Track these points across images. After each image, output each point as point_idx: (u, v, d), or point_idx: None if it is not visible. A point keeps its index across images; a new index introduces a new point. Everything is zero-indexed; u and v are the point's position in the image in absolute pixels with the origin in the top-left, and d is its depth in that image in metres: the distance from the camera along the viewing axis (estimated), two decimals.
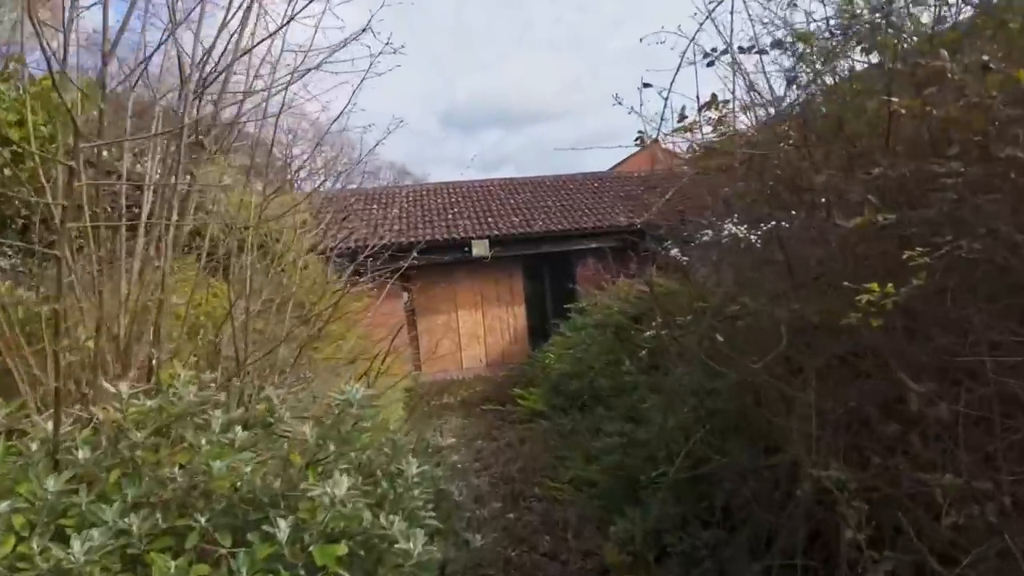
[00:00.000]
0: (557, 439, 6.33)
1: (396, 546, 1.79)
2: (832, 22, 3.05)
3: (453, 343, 13.20)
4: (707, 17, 3.04)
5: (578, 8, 63.89)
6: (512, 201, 14.20)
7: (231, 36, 3.15)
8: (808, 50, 3.08)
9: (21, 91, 3.32)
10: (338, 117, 4.15)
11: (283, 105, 3.77)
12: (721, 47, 3.26)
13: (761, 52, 3.21)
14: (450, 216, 13.21)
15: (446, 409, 9.58)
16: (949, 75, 2.10)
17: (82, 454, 1.83)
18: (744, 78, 3.46)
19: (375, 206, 13.98)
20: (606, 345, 6.46)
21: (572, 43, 63.20)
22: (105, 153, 3.11)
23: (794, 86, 3.20)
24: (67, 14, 2.33)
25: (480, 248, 12.00)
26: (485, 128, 62.86)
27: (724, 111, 3.67)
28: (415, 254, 5.88)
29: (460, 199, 14.41)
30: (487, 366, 13.29)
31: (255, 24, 3.33)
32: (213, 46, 3.01)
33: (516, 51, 63.15)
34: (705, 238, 3.84)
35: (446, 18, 60.47)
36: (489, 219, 13.04)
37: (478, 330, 13.30)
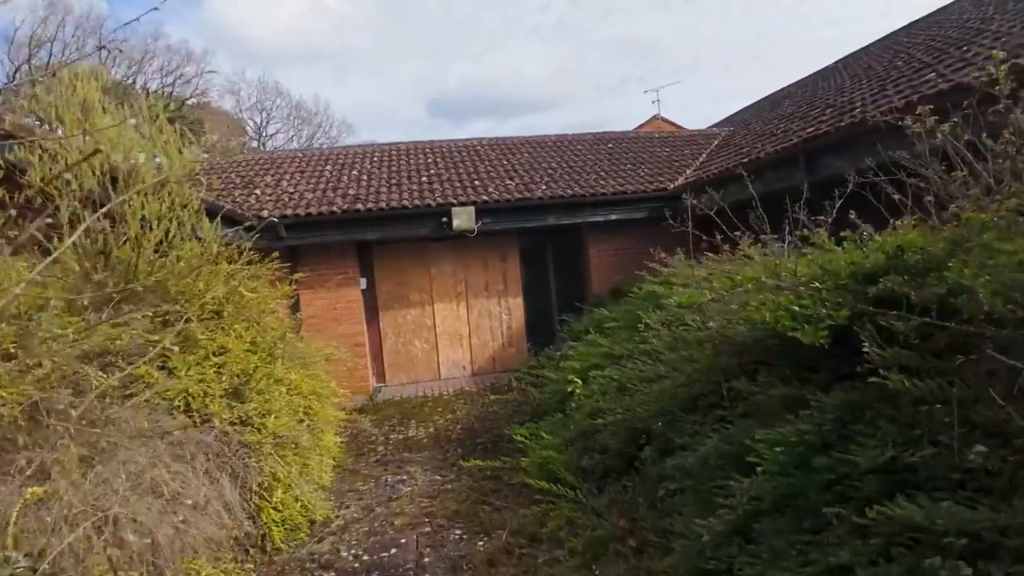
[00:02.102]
0: (606, 553, 3.27)
1: None
2: None
3: (428, 344, 10.09)
4: None
5: None
6: (506, 163, 11.09)
7: None
8: None
9: None
10: None
11: None
12: None
13: None
14: (424, 179, 10.08)
15: (408, 450, 6.49)
16: None
17: None
18: None
19: (328, 167, 10.81)
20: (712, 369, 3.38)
21: (559, 32, 60.00)
22: None
23: None
24: None
25: (463, 219, 8.89)
26: (475, 118, 59.71)
27: None
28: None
29: (439, 159, 11.27)
30: (472, 376, 10.20)
31: None
32: None
33: (504, 40, 59.80)
34: None
35: (434, 6, 57.05)
36: (476, 183, 9.93)
37: (461, 328, 10.21)
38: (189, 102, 27.92)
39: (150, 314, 4.14)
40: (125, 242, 4.26)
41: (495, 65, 59.60)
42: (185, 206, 4.66)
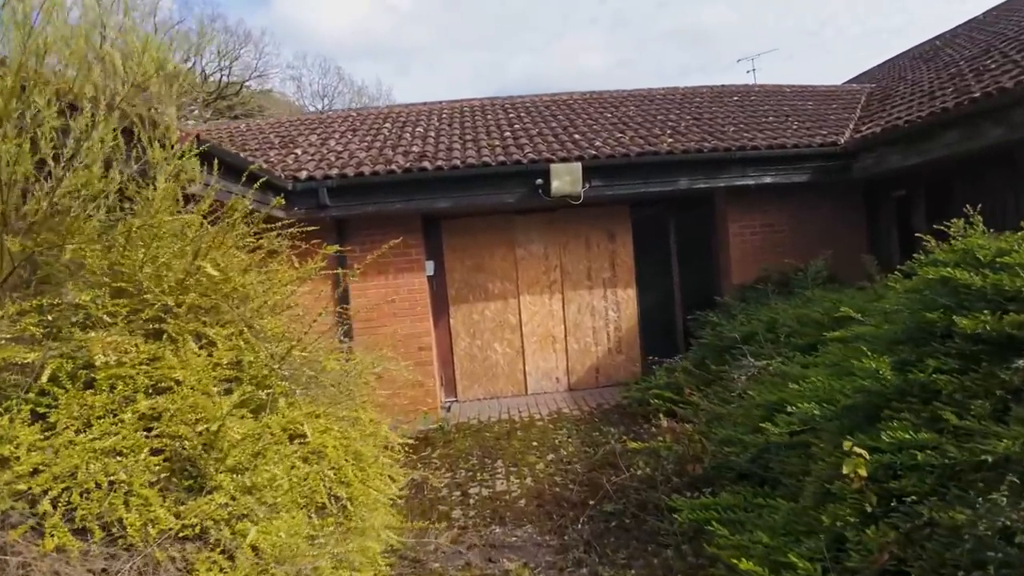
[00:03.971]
0: None
1: None
2: None
3: (512, 349, 7.80)
4: None
5: None
6: (610, 116, 8.64)
7: None
8: None
9: None
10: None
11: None
12: None
13: None
14: (508, 134, 7.78)
15: (499, 522, 4.20)
16: None
17: None
18: None
19: (388, 125, 8.66)
20: None
21: (618, 23, 56.43)
22: None
23: None
24: None
25: (566, 180, 6.51)
26: None
27: None
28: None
29: (524, 115, 8.93)
30: (569, 390, 7.84)
31: None
32: None
33: (563, 31, 56.86)
34: None
35: (496, 3, 54.77)
36: (576, 136, 7.54)
37: (554, 328, 7.85)
38: (247, 84, 26.69)
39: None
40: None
41: (556, 56, 56.80)
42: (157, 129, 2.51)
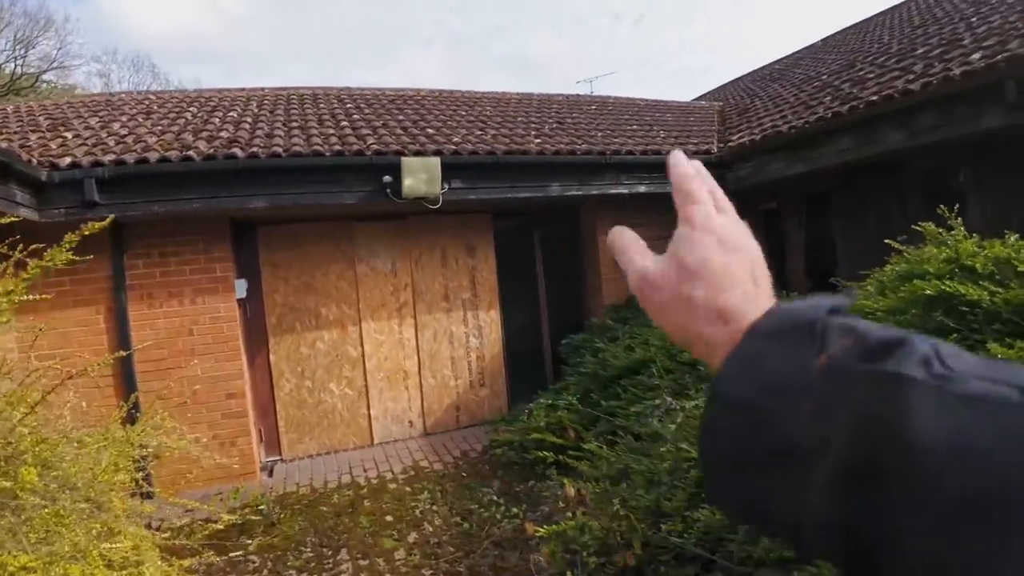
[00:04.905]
0: None
1: None
2: None
3: (352, 389, 6.27)
4: None
5: (457, 10, 59.16)
6: (465, 113, 7.57)
7: None
8: None
9: None
10: None
11: None
12: None
13: None
14: (345, 124, 6.35)
15: None
16: None
17: None
18: None
19: (192, 109, 6.75)
20: None
21: (452, 44, 57.51)
22: None
23: None
24: None
25: (420, 177, 5.26)
26: None
27: None
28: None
29: (364, 106, 7.53)
30: (425, 435, 6.48)
31: None
32: None
33: (399, 48, 56.31)
34: None
35: (328, 15, 52.56)
36: (430, 131, 6.34)
37: (406, 360, 6.47)
38: (46, 78, 21.78)
39: None
40: None
41: (394, 73, 55.66)
42: None
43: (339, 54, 51.60)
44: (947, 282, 2.50)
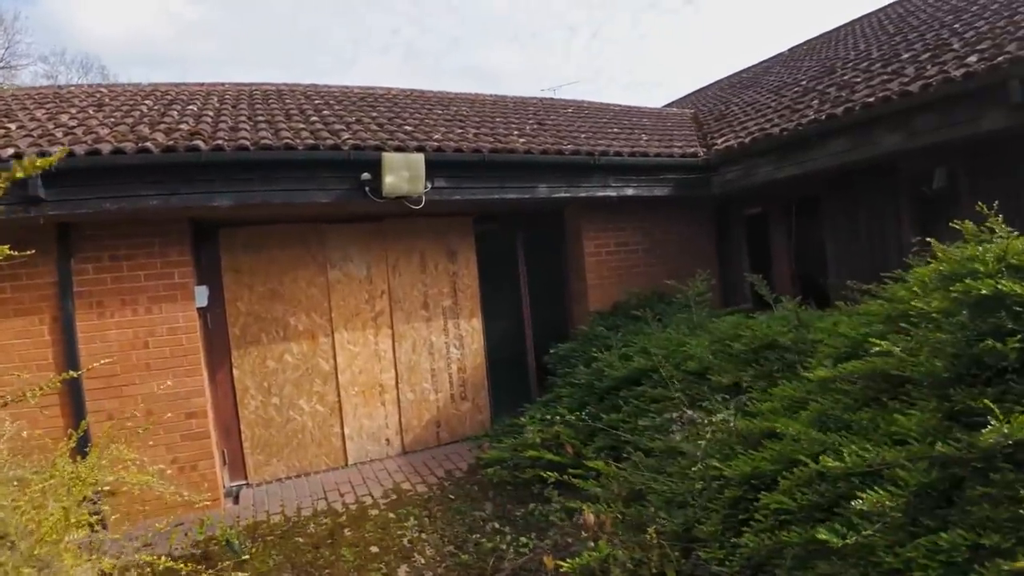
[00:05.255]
0: None
1: None
2: None
3: (324, 406, 5.79)
4: None
5: (415, 22, 58.69)
6: (441, 112, 7.20)
7: None
8: None
9: None
10: None
11: None
12: None
13: None
14: (316, 119, 5.91)
15: None
16: None
17: None
18: None
19: (149, 102, 6.19)
20: None
21: (411, 56, 56.84)
22: None
23: None
24: None
25: (402, 175, 4.87)
26: None
27: None
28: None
29: (334, 102, 7.08)
30: (404, 453, 6.04)
31: None
32: None
33: (355, 57, 55.27)
34: None
35: (287, 22, 51.33)
36: (407, 128, 5.96)
37: (383, 373, 6.03)
38: None
39: None
40: None
41: (352, 81, 55.06)
42: None
43: (296, 61, 50.38)
44: (1003, 281, 2.28)
